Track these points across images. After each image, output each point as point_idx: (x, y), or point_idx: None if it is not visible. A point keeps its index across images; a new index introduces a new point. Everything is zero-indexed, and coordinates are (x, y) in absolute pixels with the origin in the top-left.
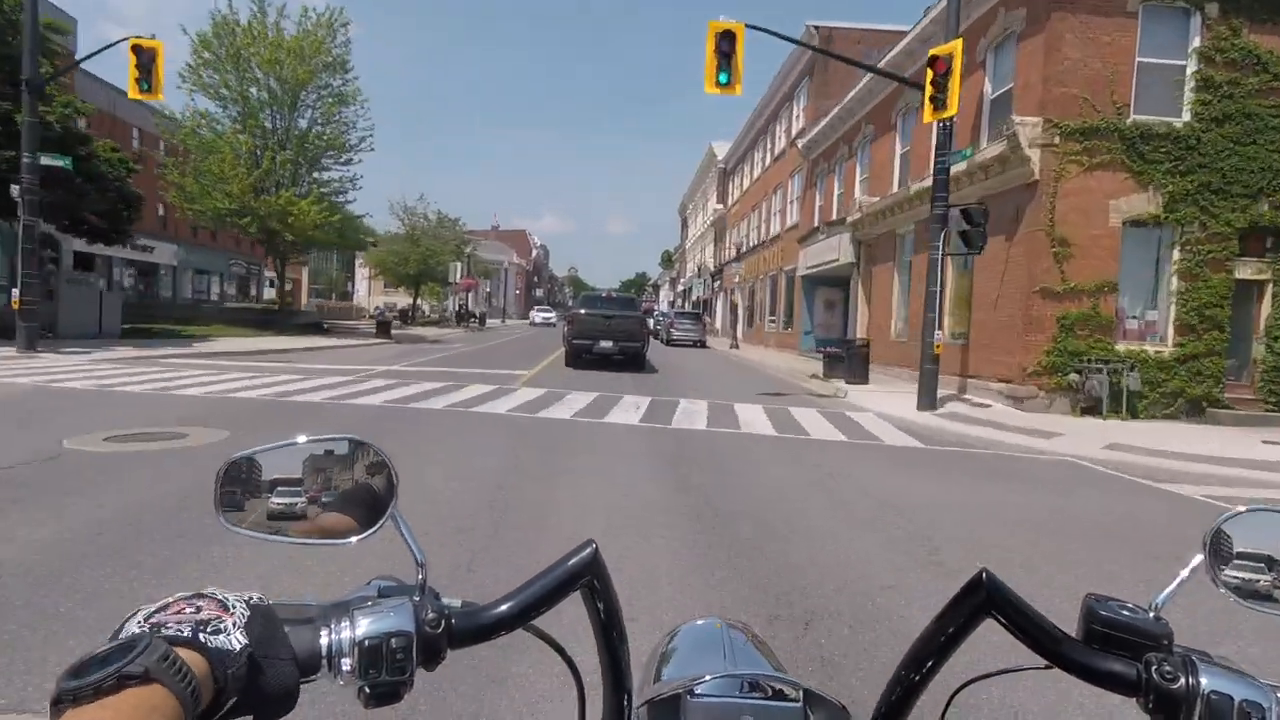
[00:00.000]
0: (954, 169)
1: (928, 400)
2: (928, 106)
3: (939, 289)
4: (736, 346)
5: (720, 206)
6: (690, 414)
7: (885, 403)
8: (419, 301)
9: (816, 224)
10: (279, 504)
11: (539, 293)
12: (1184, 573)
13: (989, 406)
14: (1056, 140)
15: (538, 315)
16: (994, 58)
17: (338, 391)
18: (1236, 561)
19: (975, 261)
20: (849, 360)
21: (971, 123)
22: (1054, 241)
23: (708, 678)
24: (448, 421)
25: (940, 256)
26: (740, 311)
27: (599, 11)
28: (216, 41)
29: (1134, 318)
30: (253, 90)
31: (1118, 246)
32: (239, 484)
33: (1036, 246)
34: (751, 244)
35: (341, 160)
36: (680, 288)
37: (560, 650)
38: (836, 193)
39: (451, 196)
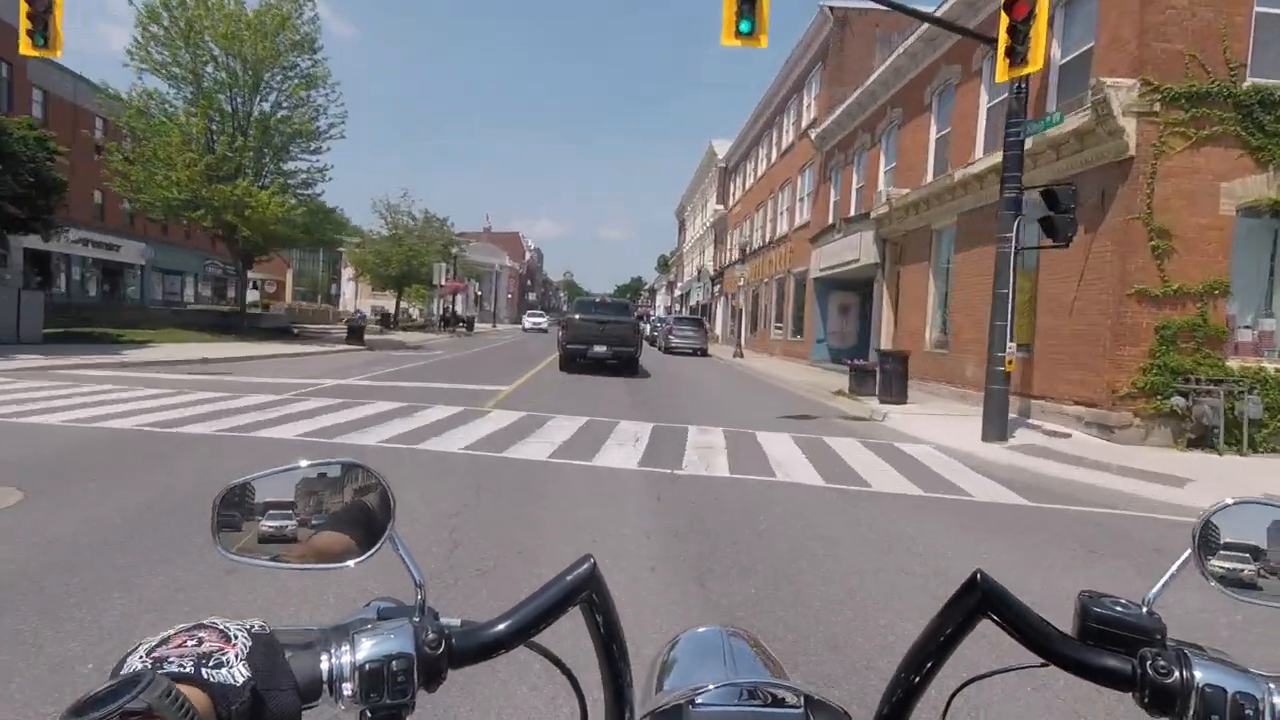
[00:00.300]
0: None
1: (996, 429)
2: (1002, 62)
3: (1009, 292)
4: (741, 355)
5: (721, 207)
6: (705, 450)
7: (938, 430)
8: (404, 305)
9: (831, 221)
10: (271, 527)
11: (532, 296)
12: (1174, 566)
13: (1068, 436)
14: (1156, 107)
15: (528, 320)
16: (1064, 14)
17: (250, 418)
18: (1223, 553)
19: (1040, 259)
20: (885, 375)
21: (1036, 92)
22: (1152, 233)
23: (710, 686)
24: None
25: (1012, 251)
26: (743, 317)
27: (598, 11)
28: (165, 13)
29: (1246, 328)
30: (209, 69)
31: (1229, 239)
32: (236, 510)
33: (1130, 239)
34: (756, 245)
35: (310, 149)
36: (678, 292)
37: (561, 665)
38: (855, 186)
39: (446, 198)
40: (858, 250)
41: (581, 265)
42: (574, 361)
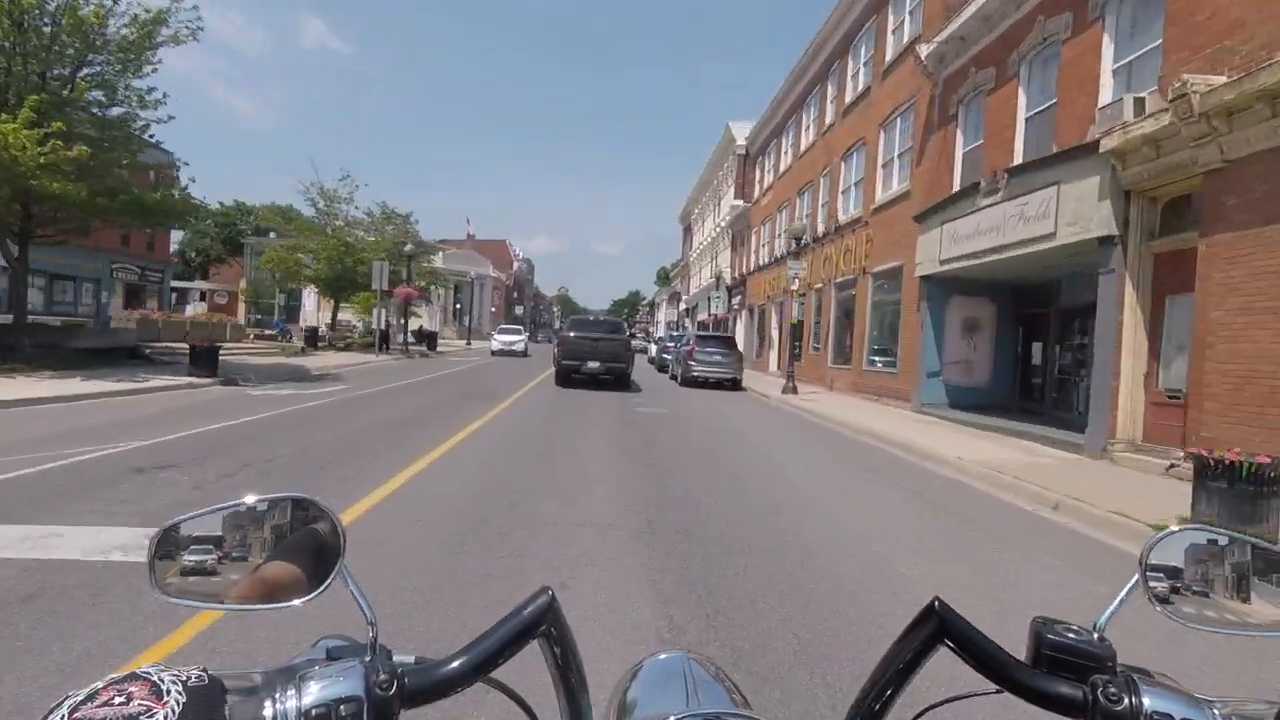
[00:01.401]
0: None
1: None
2: None
3: None
4: (794, 389)
5: (740, 202)
6: None
7: None
8: (350, 317)
9: (966, 182)
10: (210, 565)
11: (520, 310)
12: (1122, 592)
13: None
14: None
15: (498, 340)
16: None
17: None
18: (1170, 580)
19: None
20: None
21: None
22: None
23: (672, 717)
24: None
25: None
26: (778, 335)
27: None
28: None
29: None
30: None
31: None
32: (174, 549)
33: None
34: (804, 241)
35: (132, 60)
36: (683, 305)
37: (520, 701)
38: (1026, 114)
39: (433, 211)
40: (1054, 215)
41: (576, 280)
42: (568, 377)
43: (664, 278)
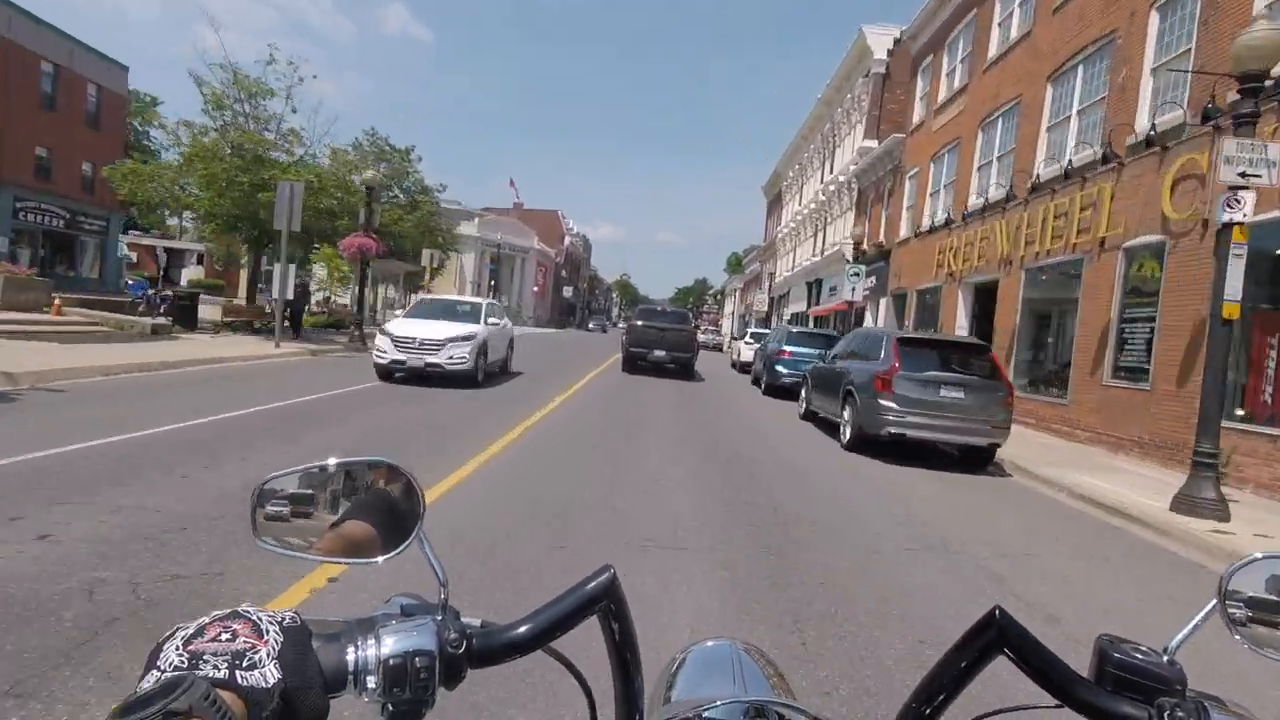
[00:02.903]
0: None
1: None
2: None
3: None
4: (1219, 508)
5: (873, 143)
6: None
7: None
8: (264, 282)
9: None
10: (302, 519)
11: (569, 292)
12: (1198, 617)
13: None
14: None
15: (398, 335)
16: None
17: None
18: (1249, 608)
19: None
20: None
21: None
22: None
23: (717, 703)
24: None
25: None
26: (1011, 342)
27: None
28: None
29: None
30: None
31: None
32: (271, 503)
33: None
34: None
35: None
36: (767, 293)
37: (575, 671)
38: None
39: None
40: None
41: (638, 268)
42: (635, 363)
43: (736, 264)
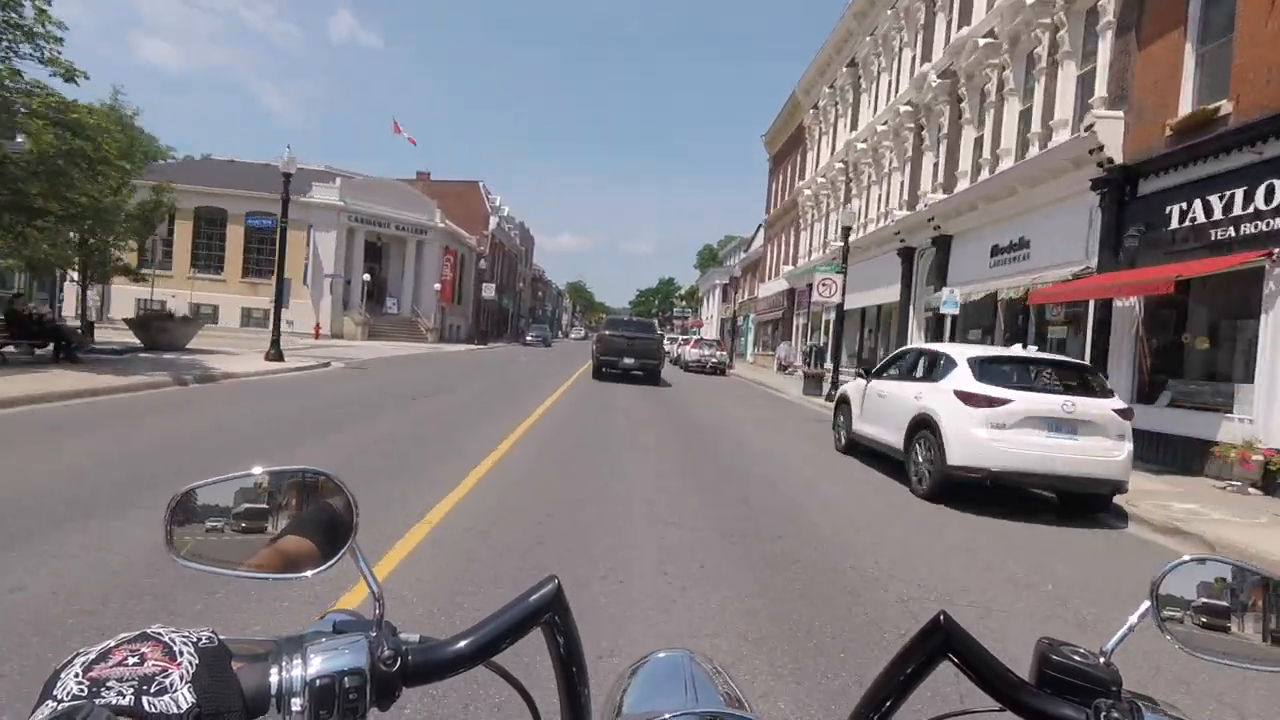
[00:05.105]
0: None
1: None
2: None
3: None
4: None
5: (927, 67)
6: None
7: None
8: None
9: None
10: (225, 533)
11: (490, 293)
12: (1132, 618)
13: None
14: None
15: None
16: None
17: None
18: (1181, 610)
19: None
20: None
21: None
22: None
23: (666, 715)
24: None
25: None
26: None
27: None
28: None
29: None
30: None
31: None
32: (189, 515)
33: None
34: None
35: None
36: (777, 285)
37: (519, 687)
38: None
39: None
40: None
41: (600, 276)
42: (602, 371)
43: (710, 257)
